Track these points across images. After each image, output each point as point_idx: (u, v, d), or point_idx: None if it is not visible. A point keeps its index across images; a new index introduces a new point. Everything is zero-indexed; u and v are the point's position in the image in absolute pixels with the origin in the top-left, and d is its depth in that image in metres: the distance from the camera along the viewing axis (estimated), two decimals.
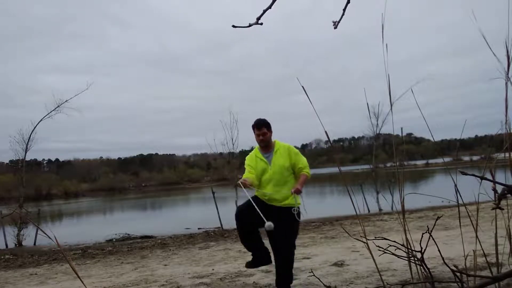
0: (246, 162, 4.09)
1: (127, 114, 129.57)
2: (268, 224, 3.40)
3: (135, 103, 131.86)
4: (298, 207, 3.90)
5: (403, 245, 2.28)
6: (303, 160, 3.98)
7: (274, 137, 4.10)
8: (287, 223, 3.80)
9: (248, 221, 3.84)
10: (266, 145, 4.00)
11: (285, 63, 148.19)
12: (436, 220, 2.44)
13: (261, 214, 3.45)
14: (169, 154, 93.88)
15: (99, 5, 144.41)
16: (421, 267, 2.22)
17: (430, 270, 2.19)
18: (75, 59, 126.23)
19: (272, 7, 1.47)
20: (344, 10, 1.54)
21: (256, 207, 3.59)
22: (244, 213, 3.86)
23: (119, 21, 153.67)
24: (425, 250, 2.17)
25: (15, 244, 12.57)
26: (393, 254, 2.20)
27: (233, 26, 1.54)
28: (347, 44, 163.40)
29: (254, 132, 4.02)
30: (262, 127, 3.96)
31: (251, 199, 3.83)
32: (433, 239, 2.16)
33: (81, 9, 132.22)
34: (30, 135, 13.89)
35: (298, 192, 3.79)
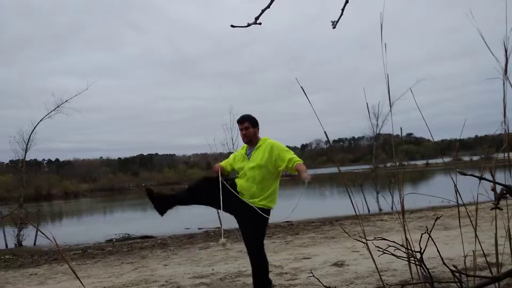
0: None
1: (130, 115, 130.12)
2: (222, 241, 3.77)
3: (140, 105, 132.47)
4: (268, 209, 3.68)
5: (402, 245, 2.27)
6: (290, 153, 3.63)
7: (276, 137, 4.00)
8: (252, 223, 3.63)
9: (202, 192, 3.75)
10: (250, 141, 3.88)
11: (294, 65, 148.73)
12: (436, 220, 2.43)
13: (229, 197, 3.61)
14: (169, 154, 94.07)
15: (120, 12, 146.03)
16: (421, 267, 2.21)
17: (430, 270, 2.19)
18: (91, 62, 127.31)
19: (270, 7, 1.47)
20: (342, 10, 1.54)
21: (227, 184, 3.65)
22: (204, 185, 3.78)
23: (135, 26, 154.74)
24: (424, 250, 2.16)
25: (15, 244, 12.56)
26: (392, 254, 2.20)
27: (232, 26, 1.54)
28: (351, 46, 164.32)
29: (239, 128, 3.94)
30: (244, 122, 3.84)
31: (226, 183, 3.71)
32: (432, 239, 2.15)
33: (101, 15, 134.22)
34: (30, 135, 13.88)
35: (307, 177, 3.35)
